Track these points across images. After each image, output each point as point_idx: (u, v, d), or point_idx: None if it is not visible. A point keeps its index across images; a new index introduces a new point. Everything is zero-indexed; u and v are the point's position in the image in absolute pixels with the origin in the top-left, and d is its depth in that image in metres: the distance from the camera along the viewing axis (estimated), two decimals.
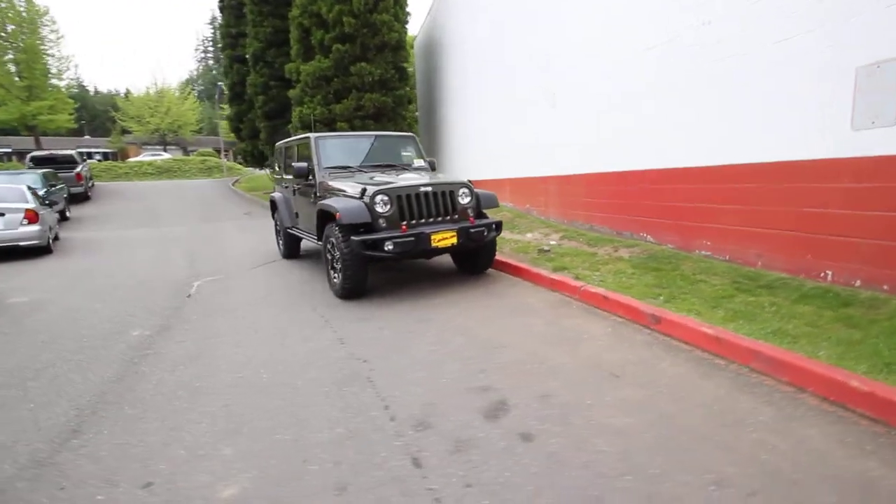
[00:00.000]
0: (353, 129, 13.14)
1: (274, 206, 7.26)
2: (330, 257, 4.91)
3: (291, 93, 14.25)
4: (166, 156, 33.40)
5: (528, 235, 7.42)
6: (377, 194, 4.51)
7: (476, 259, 5.38)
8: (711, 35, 4.77)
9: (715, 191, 4.90)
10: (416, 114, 16.56)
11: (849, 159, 3.69)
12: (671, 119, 5.44)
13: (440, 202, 4.83)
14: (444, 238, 4.62)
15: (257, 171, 25.96)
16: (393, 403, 2.60)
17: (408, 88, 14.48)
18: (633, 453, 2.06)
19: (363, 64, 13.12)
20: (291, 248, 7.01)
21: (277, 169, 7.42)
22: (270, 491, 1.95)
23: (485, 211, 5.26)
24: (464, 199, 4.99)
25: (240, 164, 34.22)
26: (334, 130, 13.25)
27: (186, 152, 38.86)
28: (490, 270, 5.62)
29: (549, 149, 8.13)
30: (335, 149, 5.76)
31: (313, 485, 1.97)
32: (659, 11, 5.43)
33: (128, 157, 33.65)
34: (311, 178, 5.56)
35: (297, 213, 6.41)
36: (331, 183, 5.26)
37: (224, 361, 3.32)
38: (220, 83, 42.40)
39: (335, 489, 1.93)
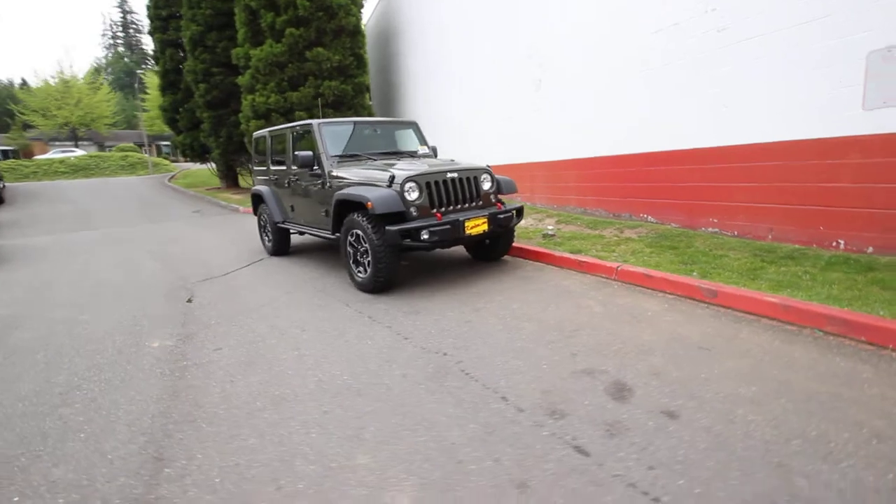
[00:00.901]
0: (312, 118, 12.51)
1: (259, 200, 6.73)
2: (352, 250, 4.63)
3: (240, 80, 13.31)
4: (79, 152, 30.10)
5: (523, 222, 7.45)
6: (407, 181, 4.31)
7: (495, 246, 5.31)
8: (719, 20, 4.99)
9: (722, 170, 5.17)
10: (371, 103, 16.02)
11: (859, 137, 4.02)
12: (673, 102, 5.66)
13: (465, 188, 4.71)
14: (477, 225, 4.51)
15: (193, 166, 24.14)
16: (508, 394, 2.49)
17: (365, 76, 13.99)
18: (783, 420, 2.11)
19: (320, 49, 12.52)
20: (281, 245, 6.55)
21: (257, 160, 6.89)
22: (446, 497, 1.79)
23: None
24: (486, 185, 4.90)
25: (165, 158, 31.66)
26: (292, 120, 12.56)
27: (102, 147, 35.22)
28: (505, 257, 5.58)
29: (533, 135, 8.20)
30: (339, 136, 5.42)
31: (488, 485, 1.83)
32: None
33: (33, 155, 29.92)
34: (315, 167, 5.20)
35: (291, 207, 5.99)
36: (341, 172, 4.95)
37: (286, 365, 3.02)
38: (138, 71, 38.75)
39: (515, 486, 1.81)
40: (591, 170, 7.08)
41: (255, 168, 6.99)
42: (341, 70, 13.05)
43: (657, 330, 3.20)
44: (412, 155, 5.75)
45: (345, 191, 4.59)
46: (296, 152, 5.16)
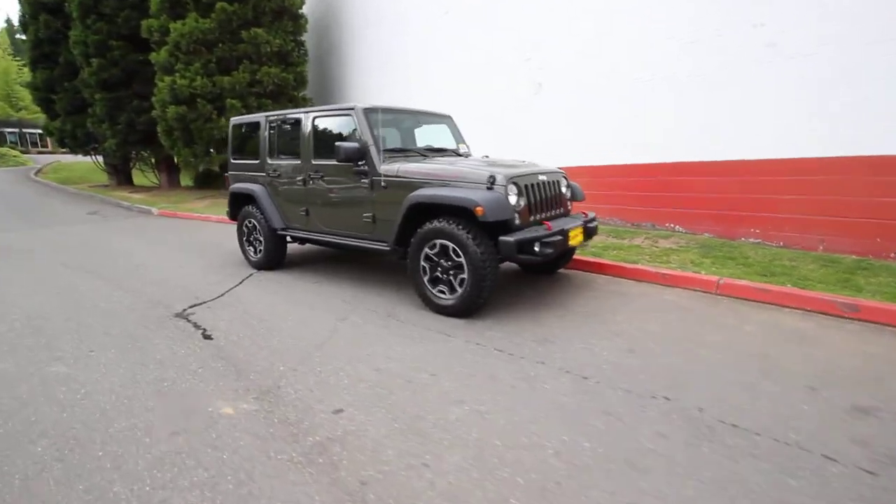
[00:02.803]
0: (247, 108, 10.88)
1: (244, 201, 5.42)
2: (427, 265, 3.79)
3: (155, 57, 11.16)
4: None
5: None
6: (509, 183, 3.62)
7: (560, 257, 4.79)
8: (766, 35, 5.08)
9: (766, 182, 5.26)
10: (310, 96, 14.39)
11: None
12: (709, 113, 5.68)
13: (551, 193, 4.15)
14: (577, 235, 3.97)
15: (61, 159, 19.93)
16: (825, 451, 1.99)
17: (306, 64, 12.63)
18: None
19: (258, 30, 10.98)
20: (276, 256, 5.32)
21: (238, 153, 5.56)
22: None
23: None
24: (563, 189, 4.40)
25: (12, 147, 25.82)
26: (223, 108, 10.80)
27: None
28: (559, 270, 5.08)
29: (531, 143, 7.85)
30: (385, 127, 4.49)
31: None
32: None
33: None
34: (360, 163, 4.22)
35: (306, 211, 4.85)
36: (396, 168, 4.05)
37: (476, 432, 2.16)
38: None
39: None
40: (603, 178, 6.91)
41: (234, 162, 5.63)
42: (282, 56, 11.61)
43: (847, 352, 2.95)
44: (455, 153, 5.00)
45: (427, 192, 3.73)
46: (337, 143, 4.11)
